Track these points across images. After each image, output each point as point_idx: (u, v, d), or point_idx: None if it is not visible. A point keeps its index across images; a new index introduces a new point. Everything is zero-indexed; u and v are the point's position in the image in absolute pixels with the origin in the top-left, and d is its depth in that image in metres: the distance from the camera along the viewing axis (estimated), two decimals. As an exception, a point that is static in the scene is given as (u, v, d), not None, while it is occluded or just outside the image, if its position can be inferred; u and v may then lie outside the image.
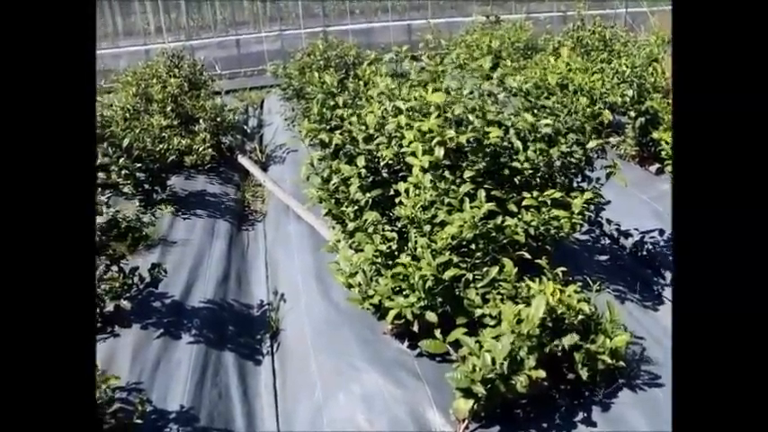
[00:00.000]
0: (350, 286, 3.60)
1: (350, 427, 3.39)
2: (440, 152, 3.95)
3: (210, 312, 4.64)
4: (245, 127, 8.79)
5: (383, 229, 3.62)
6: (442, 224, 3.58)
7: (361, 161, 4.08)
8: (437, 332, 3.37)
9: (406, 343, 3.81)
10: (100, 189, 4.33)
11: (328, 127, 5.45)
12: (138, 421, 3.43)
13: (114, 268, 4.39)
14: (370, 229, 3.51)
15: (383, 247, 3.43)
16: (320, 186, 3.89)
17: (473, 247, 3.53)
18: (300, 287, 4.71)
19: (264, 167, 7.55)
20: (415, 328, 3.50)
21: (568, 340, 3.25)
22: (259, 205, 6.86)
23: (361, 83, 6.10)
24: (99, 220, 4.13)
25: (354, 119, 4.49)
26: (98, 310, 4.29)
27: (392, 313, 3.36)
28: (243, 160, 7.58)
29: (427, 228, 3.56)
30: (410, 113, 4.39)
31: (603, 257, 5.13)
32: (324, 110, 5.79)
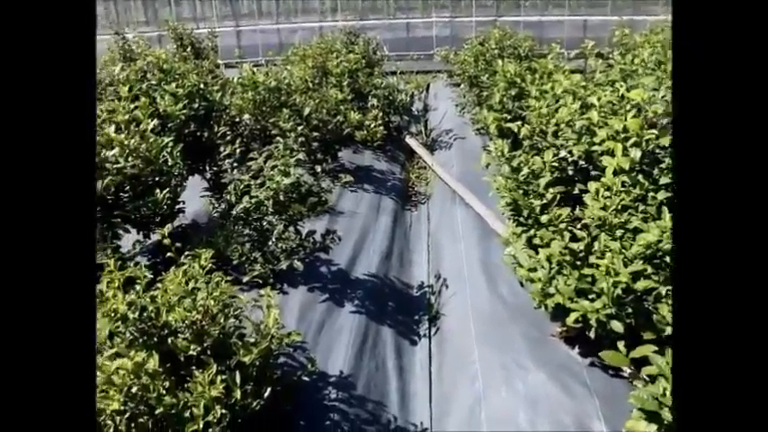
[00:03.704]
0: (530, 281, 3.47)
1: (510, 424, 3.29)
2: (636, 154, 3.72)
3: (372, 285, 4.71)
4: (413, 109, 8.85)
5: (570, 228, 3.46)
6: (635, 231, 3.37)
7: (548, 155, 3.93)
8: (620, 344, 3.17)
9: (577, 349, 3.65)
10: (289, 152, 4.52)
11: (509, 117, 5.35)
12: (305, 378, 3.56)
13: (291, 229, 4.58)
14: (562, 226, 3.37)
15: (573, 246, 3.27)
16: (508, 176, 3.78)
17: (668, 259, 3.29)
18: (465, 275, 4.65)
19: (431, 151, 7.55)
20: (592, 335, 3.32)
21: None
22: (423, 187, 6.87)
23: (537, 75, 5.91)
24: (285, 181, 4.33)
25: (544, 110, 4.34)
26: (271, 267, 4.52)
27: (573, 315, 3.20)
28: (410, 141, 7.62)
29: (619, 232, 3.36)
30: (602, 111, 4.18)
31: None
32: (504, 99, 5.69)
